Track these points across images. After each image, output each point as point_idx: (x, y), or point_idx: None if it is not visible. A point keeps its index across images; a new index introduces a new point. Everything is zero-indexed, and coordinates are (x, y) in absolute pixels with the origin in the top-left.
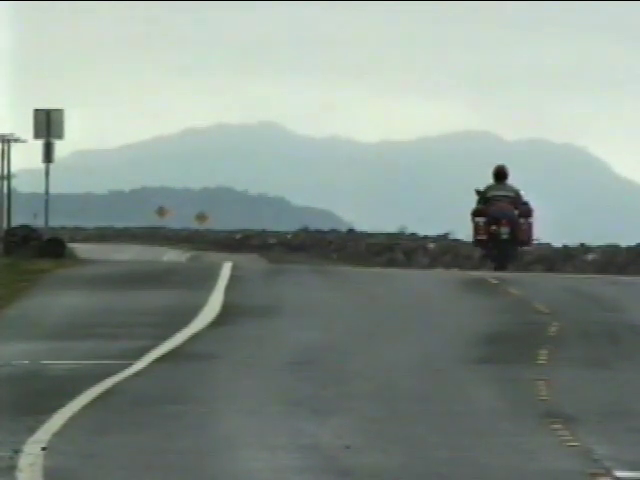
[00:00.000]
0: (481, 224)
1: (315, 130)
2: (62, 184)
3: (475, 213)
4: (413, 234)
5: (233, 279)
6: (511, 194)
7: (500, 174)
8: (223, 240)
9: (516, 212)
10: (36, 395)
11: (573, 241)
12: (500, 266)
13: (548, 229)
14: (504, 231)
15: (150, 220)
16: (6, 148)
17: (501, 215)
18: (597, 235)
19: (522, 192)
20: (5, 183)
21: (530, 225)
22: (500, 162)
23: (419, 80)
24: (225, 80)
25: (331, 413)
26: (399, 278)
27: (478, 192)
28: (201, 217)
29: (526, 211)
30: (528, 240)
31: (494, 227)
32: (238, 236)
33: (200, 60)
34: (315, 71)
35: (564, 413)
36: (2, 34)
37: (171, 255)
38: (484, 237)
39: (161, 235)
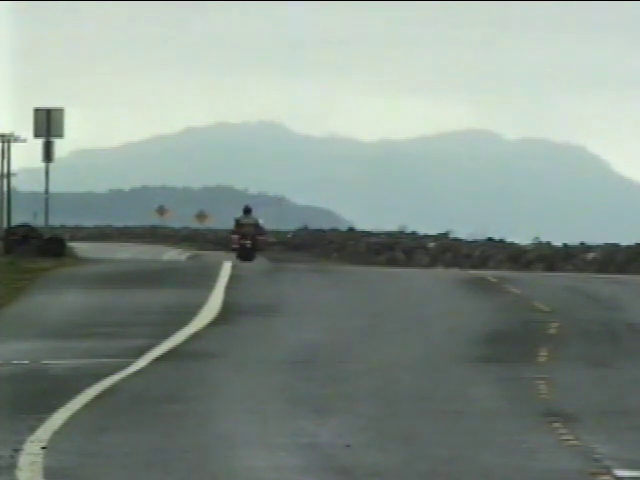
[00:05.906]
0: (236, 239)
1: (315, 129)
2: (62, 183)
3: (233, 232)
4: (413, 233)
5: (233, 278)
6: (253, 222)
7: (247, 210)
8: (223, 239)
9: (255, 232)
10: (36, 394)
11: (573, 240)
12: (246, 261)
13: (548, 228)
14: (248, 243)
15: (150, 219)
16: (6, 147)
17: (247, 233)
18: (597, 234)
19: (260, 221)
20: (5, 182)
21: (265, 240)
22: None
23: (419, 80)
24: (225, 79)
25: (331, 412)
26: (399, 277)
27: (235, 219)
28: (201, 216)
29: (261, 232)
30: (263, 247)
31: (242, 240)
32: None
33: (200, 59)
34: (315, 71)
35: (564, 412)
36: (2, 34)
37: (171, 254)
38: (237, 246)
39: (161, 234)
